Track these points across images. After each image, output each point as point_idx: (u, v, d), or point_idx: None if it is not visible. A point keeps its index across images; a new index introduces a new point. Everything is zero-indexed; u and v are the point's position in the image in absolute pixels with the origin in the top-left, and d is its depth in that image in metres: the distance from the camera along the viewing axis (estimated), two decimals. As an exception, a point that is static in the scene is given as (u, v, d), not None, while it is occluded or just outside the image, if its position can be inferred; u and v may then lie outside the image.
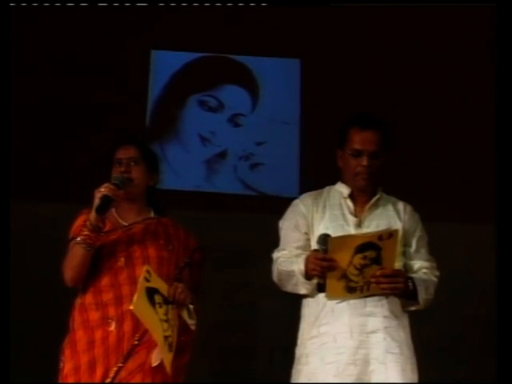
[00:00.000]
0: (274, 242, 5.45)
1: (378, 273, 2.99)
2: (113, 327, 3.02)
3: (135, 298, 2.93)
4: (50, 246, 3.99)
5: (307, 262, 3.08)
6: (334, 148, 3.30)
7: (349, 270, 2.98)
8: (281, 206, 5.82)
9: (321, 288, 3.09)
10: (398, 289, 3.05)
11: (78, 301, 3.12)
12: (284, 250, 3.25)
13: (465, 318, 5.34)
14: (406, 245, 3.24)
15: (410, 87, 5.83)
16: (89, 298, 3.08)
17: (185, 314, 3.08)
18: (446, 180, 5.64)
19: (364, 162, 3.18)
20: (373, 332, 3.06)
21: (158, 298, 2.99)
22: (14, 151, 3.97)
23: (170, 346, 2.98)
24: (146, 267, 3.00)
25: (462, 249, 5.20)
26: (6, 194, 3.24)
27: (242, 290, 5.46)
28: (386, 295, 3.09)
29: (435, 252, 3.33)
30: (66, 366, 3.04)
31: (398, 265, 3.15)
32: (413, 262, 3.23)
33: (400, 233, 3.15)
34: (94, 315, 3.04)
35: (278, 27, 5.93)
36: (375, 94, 5.81)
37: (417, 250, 3.25)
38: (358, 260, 2.97)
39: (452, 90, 5.89)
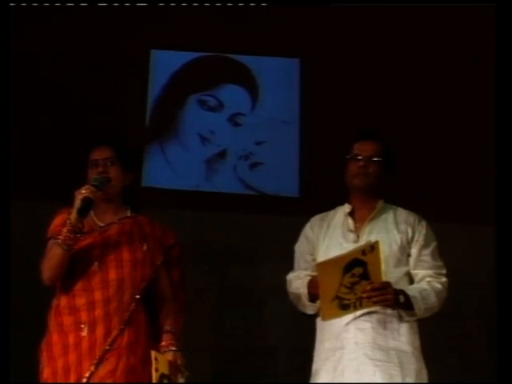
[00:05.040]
0: (274, 241, 5.48)
1: (368, 287, 3.08)
2: (85, 333, 3.04)
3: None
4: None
5: (310, 285, 3.25)
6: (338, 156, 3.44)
7: (340, 290, 3.08)
8: (281, 205, 5.85)
9: None
10: (389, 300, 3.13)
11: (55, 302, 3.15)
12: (295, 272, 3.41)
13: (465, 317, 5.35)
14: (408, 254, 3.29)
15: (410, 86, 5.83)
16: (63, 301, 3.11)
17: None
18: (446, 180, 5.64)
19: (361, 163, 3.33)
20: (359, 343, 3.18)
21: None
22: (15, 151, 3.97)
23: None
24: (153, 353, 3.03)
25: (462, 249, 5.20)
26: (6, 194, 3.24)
27: (243, 289, 5.45)
28: (378, 308, 3.17)
29: (435, 252, 3.36)
30: (45, 370, 3.09)
31: (400, 270, 3.24)
32: (416, 272, 3.31)
33: (398, 243, 3.28)
34: (68, 320, 3.08)
35: (278, 27, 5.93)
36: (375, 92, 5.82)
37: (419, 259, 3.30)
38: (347, 279, 3.08)
39: (452, 90, 5.89)
